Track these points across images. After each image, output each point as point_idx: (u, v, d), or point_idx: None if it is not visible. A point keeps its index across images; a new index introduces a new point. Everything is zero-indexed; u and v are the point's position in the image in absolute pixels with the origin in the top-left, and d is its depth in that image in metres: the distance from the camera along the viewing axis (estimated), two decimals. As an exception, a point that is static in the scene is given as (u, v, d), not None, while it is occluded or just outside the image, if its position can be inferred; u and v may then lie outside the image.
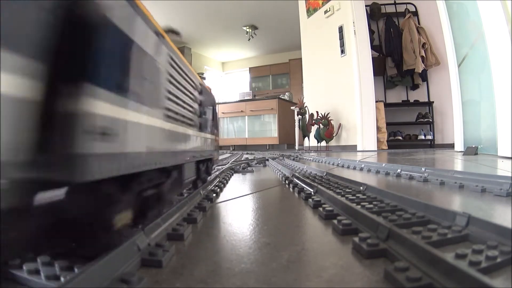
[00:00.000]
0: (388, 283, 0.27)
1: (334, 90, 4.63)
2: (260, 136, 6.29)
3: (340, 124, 4.57)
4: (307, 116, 4.73)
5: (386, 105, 4.63)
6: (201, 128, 0.75)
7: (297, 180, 0.92)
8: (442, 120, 4.94)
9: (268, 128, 6.27)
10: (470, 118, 3.07)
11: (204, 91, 0.80)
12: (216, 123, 1.04)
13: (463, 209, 0.62)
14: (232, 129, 6.56)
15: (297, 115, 4.73)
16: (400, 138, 4.90)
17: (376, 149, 4.09)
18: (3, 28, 0.22)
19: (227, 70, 9.65)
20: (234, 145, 6.43)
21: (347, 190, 0.72)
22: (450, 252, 0.32)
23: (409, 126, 4.98)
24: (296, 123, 4.80)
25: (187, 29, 7.04)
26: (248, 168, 1.51)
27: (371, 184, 0.70)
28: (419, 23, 4.87)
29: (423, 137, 4.88)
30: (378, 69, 4.71)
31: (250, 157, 2.34)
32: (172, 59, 0.51)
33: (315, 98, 4.99)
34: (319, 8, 4.81)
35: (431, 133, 4.88)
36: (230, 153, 3.72)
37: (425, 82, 4.98)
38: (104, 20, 0.29)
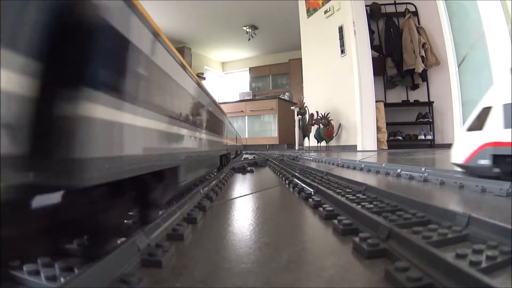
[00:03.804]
0: (389, 283, 0.27)
1: (334, 90, 4.63)
2: (260, 136, 6.29)
3: (340, 124, 4.56)
4: (307, 116, 4.73)
5: (386, 105, 4.62)
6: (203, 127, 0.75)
7: (297, 180, 0.92)
8: (442, 120, 4.93)
9: (268, 128, 6.27)
10: (470, 118, 3.06)
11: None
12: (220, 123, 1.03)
13: (463, 209, 0.62)
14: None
15: (297, 115, 4.72)
16: (400, 138, 4.90)
17: (376, 149, 4.08)
18: (3, 28, 0.22)
19: (227, 70, 9.65)
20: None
21: (347, 190, 0.72)
22: (450, 252, 0.32)
23: (409, 126, 4.98)
24: (296, 123, 4.80)
25: (187, 29, 7.04)
26: (248, 168, 1.51)
27: (371, 184, 0.70)
28: (419, 23, 4.87)
29: (423, 137, 4.87)
30: (378, 69, 4.70)
31: (250, 157, 2.34)
32: (170, 61, 0.51)
33: (315, 98, 4.99)
34: (319, 8, 4.81)
35: (431, 133, 4.87)
36: (230, 153, 3.71)
37: (425, 82, 4.98)
38: (103, 22, 0.29)
